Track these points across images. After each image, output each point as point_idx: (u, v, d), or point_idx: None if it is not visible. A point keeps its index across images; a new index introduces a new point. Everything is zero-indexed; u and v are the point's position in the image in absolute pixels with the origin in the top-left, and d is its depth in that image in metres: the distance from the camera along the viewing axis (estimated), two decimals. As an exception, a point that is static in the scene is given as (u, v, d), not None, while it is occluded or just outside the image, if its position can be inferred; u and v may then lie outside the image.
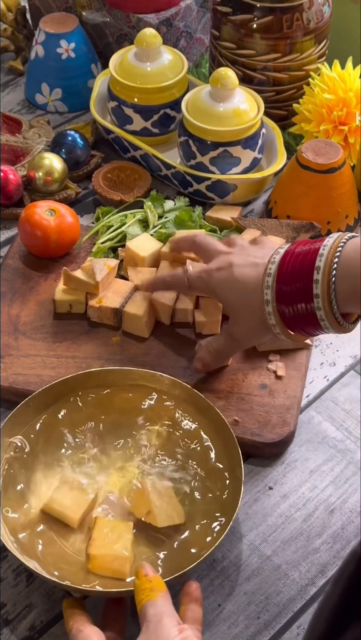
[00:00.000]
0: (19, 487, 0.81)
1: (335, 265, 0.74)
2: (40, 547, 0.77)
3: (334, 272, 0.74)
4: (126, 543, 0.75)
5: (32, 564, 0.74)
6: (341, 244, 0.75)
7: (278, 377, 0.92)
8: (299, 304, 0.76)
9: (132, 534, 0.76)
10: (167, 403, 0.87)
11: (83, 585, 0.73)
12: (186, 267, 0.89)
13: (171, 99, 1.15)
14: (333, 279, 0.73)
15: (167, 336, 0.96)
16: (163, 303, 0.94)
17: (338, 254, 0.74)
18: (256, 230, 1.03)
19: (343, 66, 1.13)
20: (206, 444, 0.84)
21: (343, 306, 0.75)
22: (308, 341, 0.94)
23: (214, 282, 0.85)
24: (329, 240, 0.76)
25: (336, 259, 0.74)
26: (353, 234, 0.77)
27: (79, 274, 0.96)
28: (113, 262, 0.97)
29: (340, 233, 0.77)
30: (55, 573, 0.74)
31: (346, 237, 0.76)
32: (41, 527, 0.79)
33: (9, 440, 0.82)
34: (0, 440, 0.81)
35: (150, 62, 1.14)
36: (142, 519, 0.78)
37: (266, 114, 1.15)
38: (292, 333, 0.80)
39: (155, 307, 0.95)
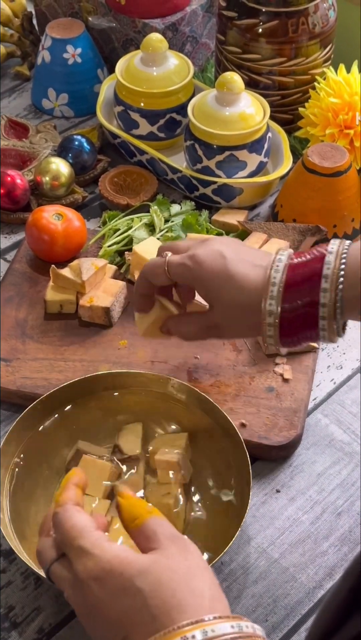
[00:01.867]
0: (25, 491, 0.81)
1: (342, 272, 0.69)
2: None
3: (341, 279, 0.69)
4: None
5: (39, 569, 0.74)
6: (345, 251, 0.70)
7: (285, 380, 0.92)
8: (303, 315, 0.71)
9: None
10: (175, 406, 0.87)
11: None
12: (165, 253, 0.78)
13: (177, 103, 1.15)
14: (341, 286, 0.69)
15: (174, 339, 0.96)
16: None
17: (343, 260, 0.70)
18: (262, 233, 1.04)
19: (348, 70, 1.13)
20: (213, 446, 0.84)
21: (348, 314, 0.71)
22: (314, 344, 0.95)
23: (203, 271, 0.74)
24: (333, 247, 0.71)
25: (343, 266, 0.70)
26: (350, 241, 0.73)
27: (66, 272, 0.97)
28: (101, 262, 0.98)
29: (340, 240, 0.72)
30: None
31: (346, 244, 0.71)
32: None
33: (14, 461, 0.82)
34: (9, 444, 0.82)
35: (156, 67, 1.14)
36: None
37: (272, 118, 1.15)
38: (282, 344, 0.74)
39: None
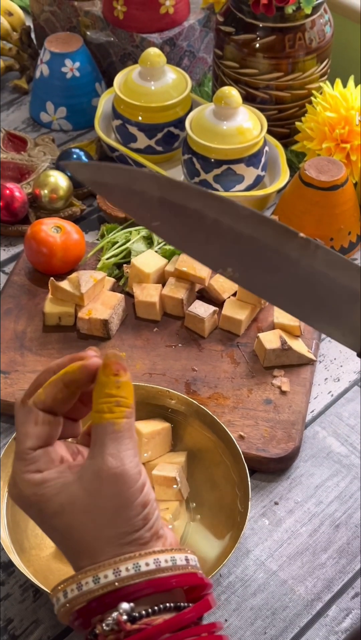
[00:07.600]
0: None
1: None
2: (45, 561, 0.77)
3: None
4: None
5: (38, 582, 0.74)
6: None
7: (283, 393, 0.92)
8: None
9: None
10: (173, 418, 0.87)
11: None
12: None
13: (175, 117, 1.16)
14: None
15: (172, 351, 0.97)
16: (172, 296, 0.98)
17: None
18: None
19: (344, 85, 1.14)
20: (212, 459, 0.84)
21: None
22: (312, 356, 0.95)
23: None
24: None
25: None
26: None
27: (65, 284, 0.97)
28: (100, 275, 0.98)
29: None
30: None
31: None
32: (48, 542, 0.79)
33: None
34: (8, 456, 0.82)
35: (154, 81, 1.15)
36: None
37: (269, 132, 1.16)
38: None
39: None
